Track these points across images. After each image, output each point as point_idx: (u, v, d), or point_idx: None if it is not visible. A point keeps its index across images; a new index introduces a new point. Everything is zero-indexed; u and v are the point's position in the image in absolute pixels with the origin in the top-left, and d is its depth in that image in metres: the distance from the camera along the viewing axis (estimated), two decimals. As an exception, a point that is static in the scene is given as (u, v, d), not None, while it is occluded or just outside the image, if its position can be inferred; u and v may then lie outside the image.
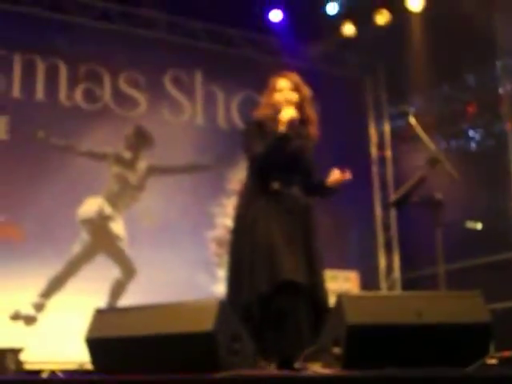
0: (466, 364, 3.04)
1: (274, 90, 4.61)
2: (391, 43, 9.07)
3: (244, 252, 4.38)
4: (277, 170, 4.46)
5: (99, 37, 8.44)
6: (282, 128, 4.37)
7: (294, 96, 4.55)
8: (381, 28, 8.93)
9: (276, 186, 4.45)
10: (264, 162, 4.44)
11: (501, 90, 8.58)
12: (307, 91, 4.67)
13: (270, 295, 4.10)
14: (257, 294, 4.05)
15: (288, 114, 4.41)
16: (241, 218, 4.49)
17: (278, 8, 8.98)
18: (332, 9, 8.92)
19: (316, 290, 4.32)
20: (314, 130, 4.69)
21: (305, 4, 8.71)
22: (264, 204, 4.42)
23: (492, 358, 3.27)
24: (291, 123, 4.40)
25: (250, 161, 4.53)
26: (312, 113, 4.68)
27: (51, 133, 8.11)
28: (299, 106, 4.53)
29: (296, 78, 4.66)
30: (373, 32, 9.08)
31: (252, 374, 2.82)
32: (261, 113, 4.65)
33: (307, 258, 4.38)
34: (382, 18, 8.88)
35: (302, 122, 4.58)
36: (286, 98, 4.53)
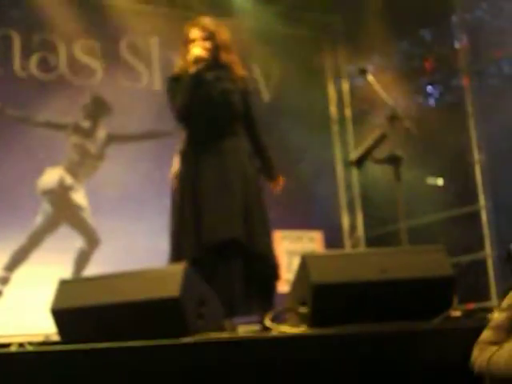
0: (430, 317, 3.07)
1: (187, 41, 4.53)
2: (348, 1, 9.05)
3: (178, 213, 4.39)
4: (207, 119, 4.41)
5: (53, 5, 8.29)
6: (191, 69, 4.33)
7: (207, 44, 4.47)
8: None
9: (206, 137, 4.40)
10: (185, 110, 4.38)
11: (457, 45, 8.61)
12: (223, 36, 4.57)
13: (201, 257, 4.11)
14: (188, 257, 4.02)
15: (193, 53, 4.36)
16: (176, 176, 4.47)
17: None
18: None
19: (252, 241, 4.29)
20: (239, 71, 4.60)
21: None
22: (196, 159, 4.39)
23: (456, 310, 3.30)
24: (198, 60, 4.35)
25: (174, 116, 4.47)
26: (231, 56, 4.59)
27: (7, 104, 8.00)
28: (213, 52, 4.46)
29: (209, 24, 4.56)
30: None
31: (220, 337, 2.83)
32: (177, 67, 4.60)
33: (244, 209, 4.33)
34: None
35: (220, 66, 4.51)
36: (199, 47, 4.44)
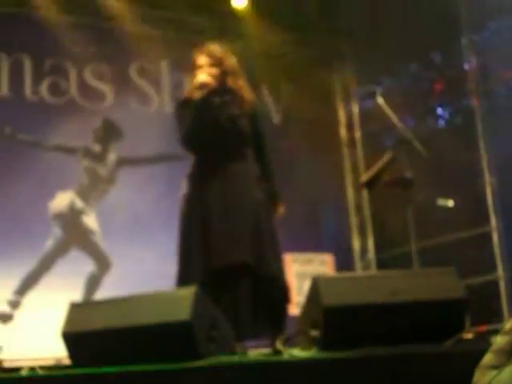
0: (442, 340, 3.06)
1: (196, 67, 4.56)
2: (358, 23, 9.08)
3: (185, 236, 4.39)
4: (215, 144, 4.42)
5: (63, 30, 8.35)
6: (196, 95, 4.35)
7: (214, 71, 4.49)
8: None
9: (214, 162, 4.41)
10: (189, 137, 4.40)
11: (466, 66, 8.62)
12: (230, 62, 4.58)
13: (209, 281, 4.10)
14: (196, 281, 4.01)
15: (198, 79, 4.39)
16: (185, 200, 4.48)
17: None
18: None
19: (262, 264, 4.28)
20: (247, 96, 4.61)
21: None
22: (204, 183, 4.39)
23: (468, 332, 3.29)
24: (203, 87, 4.37)
25: (182, 142, 4.48)
26: (238, 82, 4.60)
27: (18, 129, 8.03)
28: (220, 79, 4.48)
29: (216, 50, 4.57)
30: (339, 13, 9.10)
31: (231, 361, 2.83)
32: (185, 93, 4.63)
33: (254, 232, 4.32)
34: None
35: (228, 91, 4.52)
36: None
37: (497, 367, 2.51)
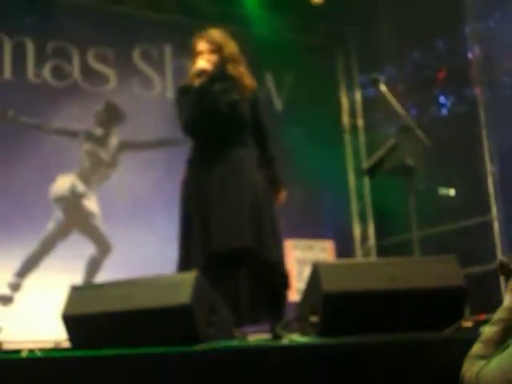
0: (442, 328, 3.07)
1: (195, 53, 4.54)
2: (360, 10, 9.05)
3: (186, 221, 4.39)
4: (215, 130, 4.42)
5: (66, 13, 8.33)
6: (195, 82, 4.34)
7: (214, 57, 4.47)
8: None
9: (214, 147, 4.41)
10: (190, 124, 4.40)
11: (470, 55, 8.60)
12: (231, 48, 4.56)
13: (209, 265, 4.10)
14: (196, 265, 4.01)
15: (197, 65, 4.38)
16: (185, 185, 4.48)
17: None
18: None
19: (263, 250, 4.28)
20: (248, 82, 4.59)
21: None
22: (204, 168, 4.39)
23: (467, 321, 3.29)
24: (201, 73, 4.35)
25: (182, 129, 4.48)
26: (238, 68, 4.57)
27: (21, 111, 8.03)
28: (220, 65, 4.46)
29: (216, 36, 4.55)
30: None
31: (231, 345, 2.83)
32: (186, 79, 4.61)
33: (255, 218, 4.32)
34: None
35: (228, 78, 4.50)
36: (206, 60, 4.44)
37: (485, 357, 2.53)
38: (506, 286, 2.68)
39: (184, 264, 4.30)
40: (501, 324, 2.59)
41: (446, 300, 3.16)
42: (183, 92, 4.52)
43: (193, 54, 4.55)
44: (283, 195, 4.68)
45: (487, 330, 2.61)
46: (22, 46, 8.27)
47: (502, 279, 7.79)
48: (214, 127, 4.41)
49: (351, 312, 3.07)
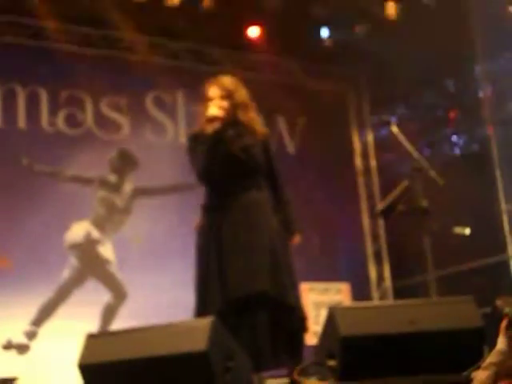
0: (461, 369, 3.04)
1: (207, 99, 4.56)
2: (372, 53, 9.10)
3: (201, 267, 4.39)
4: (229, 175, 4.43)
5: (79, 62, 8.41)
6: (207, 128, 4.36)
7: (225, 103, 4.49)
8: (361, 39, 8.97)
9: (229, 191, 4.41)
10: (206, 172, 4.41)
11: (481, 94, 8.62)
12: (242, 95, 4.56)
13: (226, 311, 4.08)
14: (213, 311, 3.99)
15: (209, 112, 4.39)
16: (201, 231, 4.48)
17: (257, 24, 9.01)
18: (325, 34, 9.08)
19: (280, 293, 4.26)
20: (258, 127, 4.60)
21: (284, 19, 8.75)
22: (220, 212, 4.39)
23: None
24: (213, 120, 4.37)
25: (197, 176, 4.49)
26: (249, 114, 4.59)
27: (35, 160, 8.08)
28: (231, 111, 4.48)
29: (227, 82, 4.56)
30: (353, 43, 9.12)
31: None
32: (197, 126, 4.63)
33: (271, 262, 4.30)
34: (361, 28, 8.92)
35: (239, 124, 4.52)
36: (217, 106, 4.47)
37: None
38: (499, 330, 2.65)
39: (201, 310, 4.29)
40: (493, 368, 2.57)
41: (465, 341, 3.13)
42: (195, 139, 4.54)
43: (204, 100, 4.57)
44: (297, 238, 4.67)
45: (480, 375, 2.59)
46: (36, 95, 8.35)
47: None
48: (228, 172, 4.42)
49: (370, 355, 3.04)
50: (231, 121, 4.44)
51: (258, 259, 4.26)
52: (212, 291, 4.27)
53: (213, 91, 4.51)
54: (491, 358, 2.59)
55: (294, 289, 4.42)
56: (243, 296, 4.16)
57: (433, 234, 5.14)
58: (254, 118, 4.58)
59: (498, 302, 2.68)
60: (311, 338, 5.11)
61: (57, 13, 8.19)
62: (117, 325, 7.91)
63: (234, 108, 4.48)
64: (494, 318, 2.70)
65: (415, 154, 5.17)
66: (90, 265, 8.22)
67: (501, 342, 2.61)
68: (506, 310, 2.66)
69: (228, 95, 4.48)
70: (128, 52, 8.77)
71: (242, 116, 4.51)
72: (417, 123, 9.07)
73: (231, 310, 4.14)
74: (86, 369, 3.24)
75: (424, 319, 3.13)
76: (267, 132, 4.68)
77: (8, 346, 7.58)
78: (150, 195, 8.60)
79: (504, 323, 2.63)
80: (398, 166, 8.88)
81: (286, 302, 4.27)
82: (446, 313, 3.19)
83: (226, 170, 4.40)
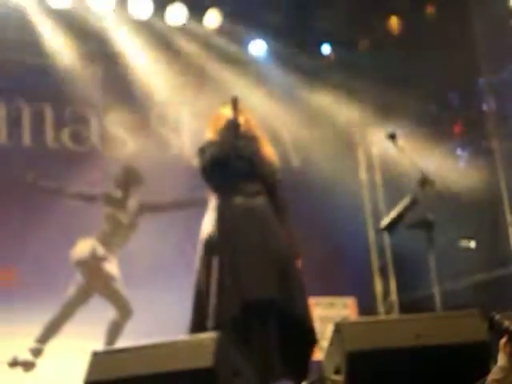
0: (466, 383, 3.03)
1: (219, 118, 4.62)
2: (374, 64, 9.12)
3: (208, 274, 4.38)
4: (237, 179, 4.45)
5: (83, 79, 8.43)
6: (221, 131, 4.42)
7: (240, 118, 4.55)
8: (363, 52, 9.01)
9: (238, 199, 4.42)
10: (215, 163, 4.44)
11: (485, 107, 8.62)
12: (251, 118, 4.71)
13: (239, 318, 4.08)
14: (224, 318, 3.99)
15: (228, 116, 4.46)
16: (208, 240, 4.48)
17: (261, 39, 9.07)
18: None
19: (289, 304, 4.26)
20: (267, 149, 4.65)
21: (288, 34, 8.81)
22: (227, 220, 4.40)
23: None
24: (233, 120, 4.42)
25: (202, 169, 4.53)
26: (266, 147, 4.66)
27: (40, 176, 8.09)
28: (244, 127, 4.54)
29: (241, 105, 4.62)
30: (356, 54, 9.16)
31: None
32: (206, 138, 4.69)
33: (281, 273, 4.30)
34: (363, 44, 8.97)
35: (251, 139, 4.57)
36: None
37: None
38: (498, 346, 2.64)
39: (217, 315, 4.24)
40: None
41: (471, 355, 3.12)
42: (203, 151, 4.58)
43: (215, 119, 4.65)
44: (299, 261, 4.65)
45: None
46: (41, 112, 8.38)
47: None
48: (236, 170, 4.44)
49: (376, 370, 3.04)
50: (250, 135, 4.51)
51: (268, 268, 4.27)
52: (225, 297, 4.24)
53: (226, 109, 4.57)
54: (493, 374, 2.58)
55: (304, 300, 4.43)
56: (251, 302, 4.15)
57: (438, 247, 5.14)
58: (270, 151, 4.68)
59: (497, 317, 2.65)
60: (317, 353, 5.09)
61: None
62: (123, 342, 7.89)
63: (247, 123, 4.58)
64: (494, 333, 2.67)
65: (420, 168, 5.17)
66: (96, 281, 8.21)
67: (501, 359, 2.59)
68: (506, 324, 2.64)
69: (240, 113, 4.55)
70: (132, 69, 8.79)
71: (254, 130, 4.61)
72: (421, 136, 9.06)
73: (242, 317, 4.12)
74: (91, 386, 3.24)
75: (430, 333, 3.13)
76: (274, 160, 4.75)
77: (14, 363, 7.56)
78: (155, 211, 8.59)
79: (503, 339, 2.61)
80: (403, 179, 8.88)
81: (294, 312, 4.27)
82: (452, 327, 3.19)
83: (231, 170, 4.42)
